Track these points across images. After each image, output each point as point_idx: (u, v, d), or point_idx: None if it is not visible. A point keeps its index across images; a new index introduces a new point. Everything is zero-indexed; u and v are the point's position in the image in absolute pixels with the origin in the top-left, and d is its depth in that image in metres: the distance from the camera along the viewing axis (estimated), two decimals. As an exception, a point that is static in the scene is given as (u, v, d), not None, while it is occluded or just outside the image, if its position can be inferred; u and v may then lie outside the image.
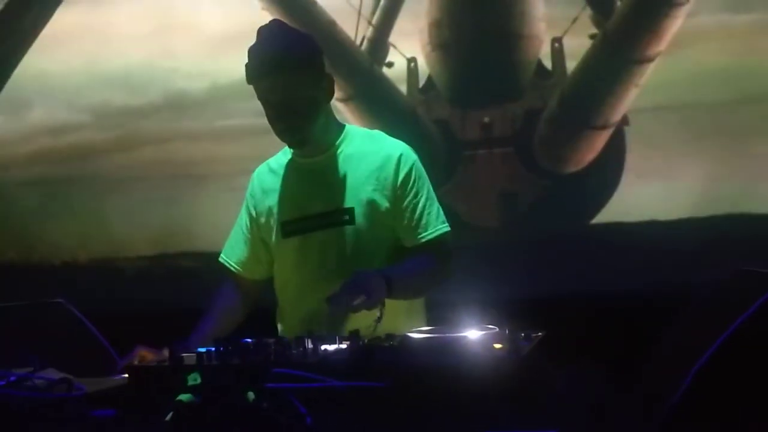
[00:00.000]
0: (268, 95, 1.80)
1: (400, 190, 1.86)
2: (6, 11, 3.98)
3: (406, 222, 1.86)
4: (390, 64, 3.63)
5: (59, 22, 3.94)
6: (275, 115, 1.81)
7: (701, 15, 3.30)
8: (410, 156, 1.89)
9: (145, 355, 1.67)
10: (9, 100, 4.01)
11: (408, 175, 1.86)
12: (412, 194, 1.86)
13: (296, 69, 1.78)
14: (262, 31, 1.83)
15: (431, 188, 1.90)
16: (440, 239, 1.86)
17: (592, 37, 3.44)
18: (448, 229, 1.88)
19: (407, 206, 1.86)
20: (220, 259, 2.04)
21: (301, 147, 1.89)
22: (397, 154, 1.87)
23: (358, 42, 3.65)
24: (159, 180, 3.83)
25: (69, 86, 3.95)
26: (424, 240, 1.86)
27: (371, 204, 1.85)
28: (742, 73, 3.23)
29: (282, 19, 1.92)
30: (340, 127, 1.93)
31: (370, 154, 1.88)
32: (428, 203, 1.87)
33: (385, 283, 1.65)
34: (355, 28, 3.64)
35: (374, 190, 1.85)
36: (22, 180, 4.01)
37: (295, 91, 1.78)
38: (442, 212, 1.89)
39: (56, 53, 3.94)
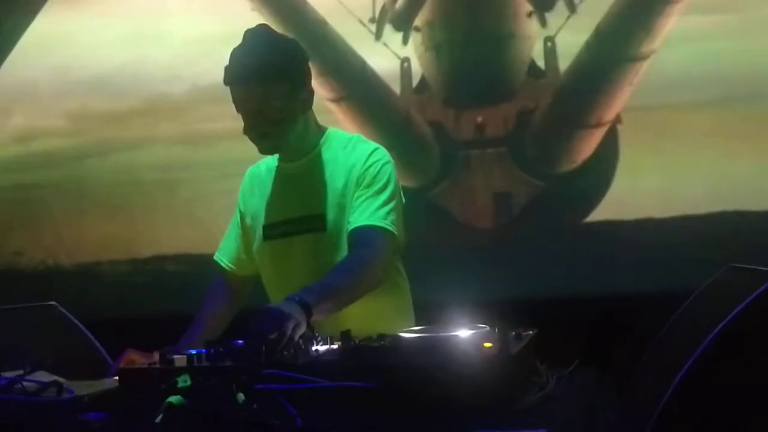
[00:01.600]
0: (242, 102, 1.80)
1: (358, 180, 1.82)
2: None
3: (352, 207, 1.80)
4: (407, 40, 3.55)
5: (36, 28, 3.93)
6: (248, 122, 1.81)
7: (694, 13, 3.30)
8: (381, 156, 1.86)
9: (134, 358, 1.67)
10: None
11: (370, 167, 1.83)
12: (364, 185, 1.82)
13: (271, 80, 1.77)
14: (245, 35, 1.82)
15: (393, 192, 1.82)
16: (372, 230, 1.76)
17: (547, 39, 3.44)
18: (387, 227, 1.77)
19: (357, 196, 1.81)
20: (214, 258, 2.06)
21: (273, 153, 1.90)
22: (367, 154, 1.86)
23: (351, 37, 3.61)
24: (138, 184, 3.82)
25: (47, 92, 3.94)
26: (353, 226, 1.78)
27: (342, 209, 1.84)
28: (736, 73, 3.23)
29: (273, 19, 1.92)
30: (322, 131, 1.92)
31: (345, 159, 1.87)
32: (378, 198, 1.79)
33: (302, 306, 1.54)
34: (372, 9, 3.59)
35: (343, 194, 1.84)
36: (1, 186, 4.00)
37: (269, 101, 1.78)
38: (391, 215, 1.79)
39: (34, 60, 3.93)
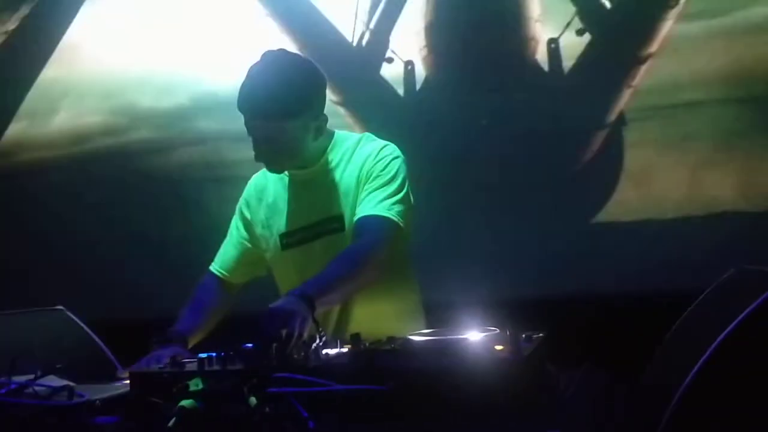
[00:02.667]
0: (252, 131, 1.80)
1: (369, 172, 1.83)
2: (32, 15, 3.99)
3: (360, 199, 1.81)
4: (390, 60, 3.60)
5: (82, 25, 3.92)
6: (257, 149, 1.81)
7: (698, 16, 3.31)
8: (390, 151, 1.86)
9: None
10: (33, 105, 4.00)
11: (378, 163, 1.83)
12: (372, 177, 1.82)
13: (284, 118, 1.76)
14: (259, 61, 1.80)
15: (400, 186, 1.81)
16: (375, 220, 1.76)
17: (579, 32, 3.44)
18: (391, 217, 1.77)
19: (365, 189, 1.81)
20: (210, 267, 2.04)
21: (278, 173, 1.91)
22: (378, 149, 1.86)
23: (356, 42, 3.64)
24: (189, 183, 3.79)
25: (94, 90, 3.93)
26: (357, 217, 1.78)
27: (356, 206, 1.85)
28: (739, 74, 3.24)
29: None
30: (330, 136, 1.92)
31: (356, 157, 1.87)
32: (384, 190, 1.79)
33: (305, 301, 1.55)
34: (353, 29, 3.63)
35: (358, 190, 1.85)
36: (47, 185, 3.98)
37: (280, 136, 1.78)
38: (397, 206, 1.78)
39: (81, 57, 3.92)
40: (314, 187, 1.89)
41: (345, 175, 1.87)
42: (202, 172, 3.79)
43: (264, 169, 2.02)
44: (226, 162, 3.71)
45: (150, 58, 3.85)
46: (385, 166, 1.83)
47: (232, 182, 3.65)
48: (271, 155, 1.82)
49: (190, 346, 1.87)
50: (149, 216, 3.82)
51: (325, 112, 1.92)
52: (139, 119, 3.90)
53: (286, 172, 1.95)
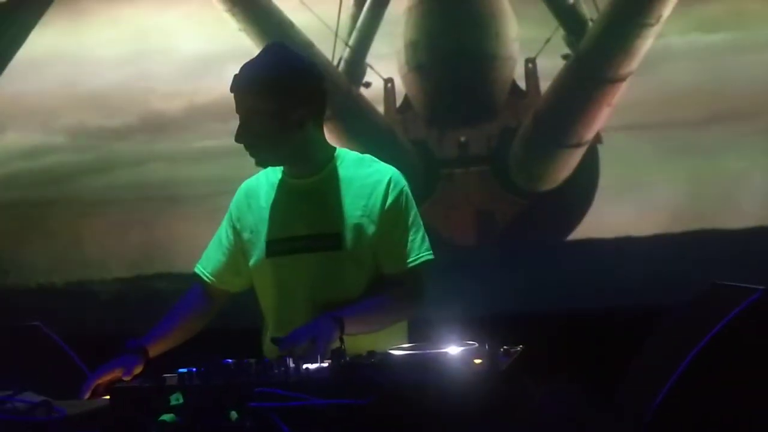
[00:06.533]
0: (236, 108, 1.82)
1: (386, 216, 1.84)
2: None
3: (386, 249, 1.84)
4: (367, 85, 3.67)
5: (34, 44, 3.93)
6: (237, 130, 1.83)
7: (673, 35, 3.37)
8: (399, 182, 1.87)
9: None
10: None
11: (396, 201, 1.84)
12: (396, 221, 1.84)
13: (258, 93, 1.77)
14: (263, 48, 1.87)
15: (417, 214, 1.87)
16: (415, 269, 1.83)
17: (564, 57, 3.51)
18: (430, 257, 1.84)
19: (391, 234, 1.84)
20: (195, 270, 2.03)
21: (265, 167, 1.91)
22: (387, 180, 1.86)
23: (335, 63, 3.68)
24: (136, 202, 3.82)
25: (44, 109, 3.93)
26: (397, 270, 1.83)
27: (358, 229, 1.84)
28: (712, 92, 3.30)
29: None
30: (332, 149, 1.92)
31: (360, 179, 1.87)
32: (412, 231, 1.84)
33: (337, 324, 1.65)
34: (333, 49, 3.68)
35: (362, 215, 1.84)
36: None
37: (253, 113, 1.78)
38: (426, 239, 1.85)
39: (31, 76, 3.93)
40: (311, 200, 1.88)
41: (348, 195, 1.85)
42: (152, 191, 3.81)
43: (258, 174, 2.01)
44: (170, 182, 3.75)
45: (99, 77, 3.86)
46: (407, 202, 1.86)
47: (181, 201, 3.71)
48: (246, 137, 1.81)
49: (153, 355, 1.86)
50: (100, 233, 3.83)
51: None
52: (88, 138, 3.90)
53: (279, 176, 1.94)
